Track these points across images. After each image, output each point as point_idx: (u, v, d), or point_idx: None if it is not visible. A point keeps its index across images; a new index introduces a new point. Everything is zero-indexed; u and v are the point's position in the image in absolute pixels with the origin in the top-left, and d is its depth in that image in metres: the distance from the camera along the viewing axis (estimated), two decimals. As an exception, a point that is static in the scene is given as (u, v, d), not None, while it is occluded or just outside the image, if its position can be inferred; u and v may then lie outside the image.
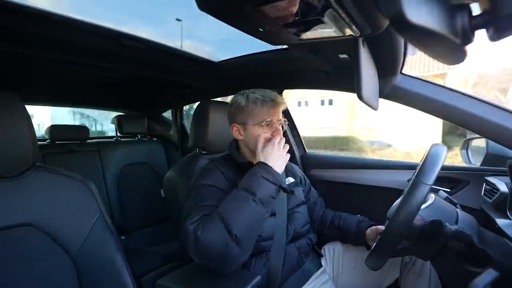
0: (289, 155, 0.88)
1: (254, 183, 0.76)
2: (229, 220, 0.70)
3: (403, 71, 0.92)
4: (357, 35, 0.53)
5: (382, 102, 0.92)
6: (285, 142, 0.88)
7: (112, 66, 1.19)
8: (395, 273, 0.96)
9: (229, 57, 1.28)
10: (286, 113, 1.54)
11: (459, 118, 0.89)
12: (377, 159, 1.36)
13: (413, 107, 0.97)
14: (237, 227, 0.70)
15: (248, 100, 0.90)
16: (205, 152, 1.19)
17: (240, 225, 0.70)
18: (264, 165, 0.80)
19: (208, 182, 0.85)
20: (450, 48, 0.29)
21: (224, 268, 0.72)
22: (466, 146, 1.23)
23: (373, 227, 0.97)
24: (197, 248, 0.69)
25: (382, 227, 0.95)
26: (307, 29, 0.53)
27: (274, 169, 0.80)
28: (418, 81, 0.94)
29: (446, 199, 0.78)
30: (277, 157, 0.82)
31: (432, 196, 0.74)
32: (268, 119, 0.89)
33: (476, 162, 1.14)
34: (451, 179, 1.08)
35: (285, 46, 0.98)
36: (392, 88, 0.94)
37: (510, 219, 0.75)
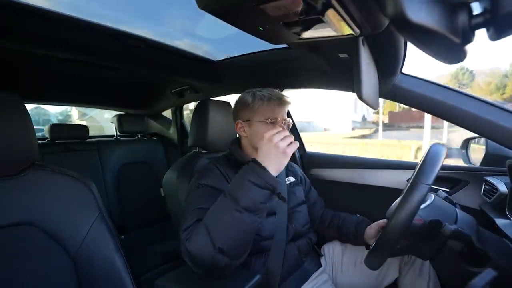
0: (289, 155, 0.75)
1: (238, 188, 0.69)
2: (212, 232, 0.66)
3: (403, 70, 0.92)
4: (357, 35, 0.53)
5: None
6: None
7: (112, 65, 1.19)
8: (395, 273, 0.96)
9: (229, 56, 1.28)
10: (289, 115, 1.54)
11: (459, 118, 0.89)
12: (377, 159, 1.36)
13: (413, 107, 0.97)
14: (221, 240, 0.65)
15: (255, 97, 0.91)
16: (205, 151, 1.19)
17: (224, 238, 0.66)
18: (255, 166, 0.70)
19: (206, 182, 0.84)
20: (450, 47, 0.29)
21: (218, 274, 0.71)
22: (465, 146, 1.23)
23: (374, 223, 0.97)
24: (188, 258, 0.69)
25: (382, 221, 0.94)
26: (307, 28, 0.53)
27: (269, 170, 0.70)
28: (418, 80, 0.94)
29: (445, 199, 0.79)
30: (275, 157, 0.71)
31: (431, 196, 0.74)
32: (274, 117, 0.89)
33: (476, 162, 1.14)
34: (450, 179, 1.08)
35: (285, 45, 0.98)
36: (392, 88, 0.94)
37: (509, 219, 0.75)
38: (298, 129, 1.58)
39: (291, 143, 0.72)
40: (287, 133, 0.74)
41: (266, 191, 0.69)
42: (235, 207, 0.67)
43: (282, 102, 0.90)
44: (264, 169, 0.69)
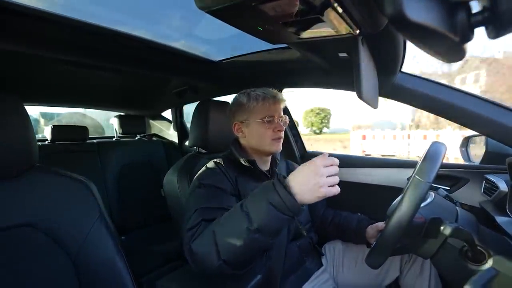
0: (326, 195, 0.61)
1: (256, 208, 0.62)
2: (219, 243, 0.63)
3: (403, 69, 0.92)
4: (357, 34, 0.53)
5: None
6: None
7: (112, 66, 1.19)
8: (395, 272, 0.96)
9: (229, 56, 1.28)
10: (286, 112, 1.54)
11: (458, 116, 0.89)
12: (377, 157, 1.37)
13: (413, 105, 0.97)
14: (227, 253, 0.63)
15: (250, 98, 0.91)
16: (205, 151, 1.19)
17: (230, 252, 0.63)
18: (281, 188, 0.61)
19: (208, 182, 0.84)
20: (449, 46, 0.29)
21: (221, 275, 0.70)
22: (465, 144, 1.23)
23: (373, 224, 0.97)
24: (191, 258, 0.68)
25: (382, 224, 0.95)
26: (307, 28, 0.53)
27: (296, 198, 0.60)
28: (418, 79, 0.94)
29: (445, 197, 0.79)
30: (312, 189, 0.59)
31: (431, 194, 0.74)
32: (270, 115, 0.89)
33: (476, 160, 1.15)
34: (450, 177, 1.08)
35: (284, 45, 0.98)
36: (392, 87, 0.94)
37: (509, 216, 0.75)
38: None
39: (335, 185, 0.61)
40: (337, 170, 0.62)
41: (285, 218, 0.61)
42: (247, 225, 0.61)
43: (277, 100, 0.91)
44: (292, 195, 0.60)
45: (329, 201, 1.20)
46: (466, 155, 1.23)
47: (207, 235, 0.67)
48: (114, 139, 2.13)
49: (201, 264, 0.66)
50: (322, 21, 0.48)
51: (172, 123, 2.23)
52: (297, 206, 0.60)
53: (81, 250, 0.67)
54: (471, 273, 0.59)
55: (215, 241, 0.64)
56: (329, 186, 0.60)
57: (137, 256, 1.41)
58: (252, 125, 0.91)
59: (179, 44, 1.18)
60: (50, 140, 1.74)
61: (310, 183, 0.60)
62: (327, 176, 0.60)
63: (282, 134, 0.93)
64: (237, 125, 0.95)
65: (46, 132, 1.78)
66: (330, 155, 0.65)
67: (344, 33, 0.53)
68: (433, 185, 0.62)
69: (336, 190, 0.61)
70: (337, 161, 0.63)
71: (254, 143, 0.92)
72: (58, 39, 0.90)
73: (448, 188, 1.06)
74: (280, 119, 0.91)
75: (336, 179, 0.61)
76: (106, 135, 2.48)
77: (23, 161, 0.65)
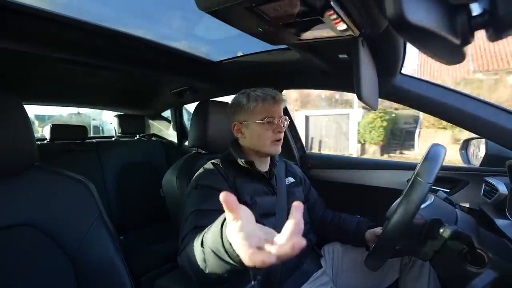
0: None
1: (207, 250, 0.52)
2: (192, 268, 0.61)
3: (402, 71, 0.92)
4: (357, 35, 0.53)
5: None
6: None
7: (112, 66, 1.19)
8: (395, 274, 0.96)
9: (229, 57, 1.28)
10: (286, 113, 1.54)
11: (458, 118, 0.89)
12: (377, 159, 1.37)
13: (412, 107, 0.97)
14: (198, 278, 0.61)
15: (249, 98, 0.90)
16: (204, 152, 1.19)
17: (201, 277, 0.59)
18: (218, 245, 0.47)
19: (205, 183, 0.83)
20: (449, 48, 0.29)
21: None
22: (465, 146, 1.23)
23: (372, 230, 0.96)
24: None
25: (380, 229, 0.94)
26: (307, 29, 0.53)
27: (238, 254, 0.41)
28: (417, 81, 0.94)
29: (445, 199, 0.79)
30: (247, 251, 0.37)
31: (431, 197, 0.74)
32: (270, 116, 0.89)
33: (476, 162, 1.14)
34: (450, 179, 1.08)
35: (284, 46, 0.98)
36: (392, 88, 0.94)
37: (509, 219, 0.75)
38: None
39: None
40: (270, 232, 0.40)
41: (236, 268, 0.48)
42: (203, 267, 0.55)
43: (276, 100, 0.90)
44: (228, 253, 0.46)
45: (328, 203, 1.20)
46: (466, 157, 1.22)
47: (184, 254, 0.66)
48: (113, 138, 2.13)
49: (189, 273, 0.66)
50: (322, 22, 0.48)
51: (172, 123, 2.23)
52: (235, 268, 0.47)
53: (80, 250, 0.67)
54: (470, 276, 0.59)
55: (189, 263, 0.62)
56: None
57: (136, 255, 1.41)
58: (252, 126, 0.91)
59: (179, 44, 1.18)
60: (49, 140, 1.74)
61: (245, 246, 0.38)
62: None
63: (282, 135, 0.92)
64: (236, 126, 0.94)
65: (45, 132, 1.78)
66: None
67: (345, 34, 0.53)
68: (432, 187, 0.62)
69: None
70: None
71: (253, 144, 0.92)
72: (58, 38, 0.90)
73: (448, 190, 1.06)
74: (280, 120, 0.91)
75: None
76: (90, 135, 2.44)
77: (22, 160, 0.65)
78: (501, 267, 0.59)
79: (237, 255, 0.42)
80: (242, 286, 0.71)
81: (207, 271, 0.54)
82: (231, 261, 0.46)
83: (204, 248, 0.54)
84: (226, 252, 0.46)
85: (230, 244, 0.43)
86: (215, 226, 0.50)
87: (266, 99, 0.89)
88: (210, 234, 0.51)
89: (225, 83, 1.46)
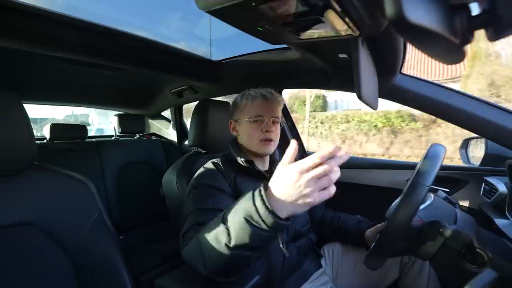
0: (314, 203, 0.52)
1: (234, 220, 0.55)
2: (204, 254, 0.61)
3: (403, 71, 0.92)
4: (357, 35, 0.52)
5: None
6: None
7: (112, 65, 1.19)
8: (394, 274, 0.96)
9: (229, 56, 1.28)
10: (285, 113, 1.54)
11: (458, 118, 0.89)
12: (377, 159, 1.37)
13: (412, 107, 0.97)
14: (211, 265, 0.61)
15: (243, 97, 0.92)
16: (204, 151, 1.19)
17: (214, 264, 0.60)
18: (259, 200, 0.52)
19: (206, 182, 0.83)
20: (449, 48, 0.29)
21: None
22: (465, 146, 1.23)
23: (373, 227, 0.97)
24: (185, 262, 0.68)
25: (381, 225, 0.95)
26: (307, 28, 0.53)
27: (278, 213, 0.51)
28: (417, 80, 0.94)
29: (445, 199, 0.79)
30: (295, 199, 0.50)
31: (431, 196, 0.74)
32: (258, 115, 0.89)
33: (475, 162, 1.15)
34: (450, 179, 1.08)
35: (284, 46, 0.98)
36: (392, 88, 0.94)
37: (509, 219, 0.75)
38: (296, 128, 1.57)
39: (325, 188, 0.51)
40: (327, 168, 0.48)
41: (265, 235, 0.53)
42: (226, 241, 0.56)
43: (266, 99, 0.90)
44: (270, 210, 0.50)
45: (328, 202, 1.20)
46: (465, 157, 1.23)
47: (194, 243, 0.65)
48: (113, 138, 2.13)
49: (193, 269, 0.66)
50: (322, 22, 0.48)
51: (172, 123, 2.23)
52: (278, 222, 0.51)
53: (80, 249, 0.67)
54: (470, 275, 0.59)
55: (201, 251, 0.62)
56: (320, 191, 0.50)
57: (136, 255, 1.41)
58: (243, 124, 0.92)
59: (179, 44, 1.18)
60: (49, 139, 1.74)
61: (291, 194, 0.50)
62: (314, 181, 0.49)
63: (272, 135, 0.90)
64: (232, 124, 0.96)
65: (45, 131, 1.78)
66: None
67: (344, 34, 0.53)
68: (432, 187, 0.62)
69: (328, 193, 0.51)
70: (324, 157, 0.48)
71: (245, 143, 0.93)
72: (58, 37, 0.90)
73: (448, 190, 1.06)
74: (272, 119, 0.90)
75: (327, 181, 0.49)
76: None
77: (22, 160, 0.65)
78: (501, 267, 0.59)
79: (272, 216, 0.50)
80: (246, 282, 0.71)
81: (231, 244, 0.55)
82: (263, 226, 0.52)
83: (229, 223, 0.57)
84: (260, 217, 0.51)
85: (266, 208, 0.51)
86: (245, 199, 0.56)
87: (255, 98, 0.90)
88: (240, 205, 0.56)
89: (224, 82, 1.46)
